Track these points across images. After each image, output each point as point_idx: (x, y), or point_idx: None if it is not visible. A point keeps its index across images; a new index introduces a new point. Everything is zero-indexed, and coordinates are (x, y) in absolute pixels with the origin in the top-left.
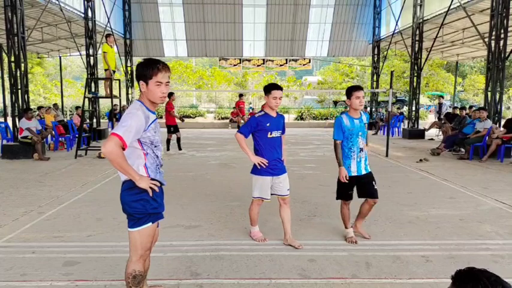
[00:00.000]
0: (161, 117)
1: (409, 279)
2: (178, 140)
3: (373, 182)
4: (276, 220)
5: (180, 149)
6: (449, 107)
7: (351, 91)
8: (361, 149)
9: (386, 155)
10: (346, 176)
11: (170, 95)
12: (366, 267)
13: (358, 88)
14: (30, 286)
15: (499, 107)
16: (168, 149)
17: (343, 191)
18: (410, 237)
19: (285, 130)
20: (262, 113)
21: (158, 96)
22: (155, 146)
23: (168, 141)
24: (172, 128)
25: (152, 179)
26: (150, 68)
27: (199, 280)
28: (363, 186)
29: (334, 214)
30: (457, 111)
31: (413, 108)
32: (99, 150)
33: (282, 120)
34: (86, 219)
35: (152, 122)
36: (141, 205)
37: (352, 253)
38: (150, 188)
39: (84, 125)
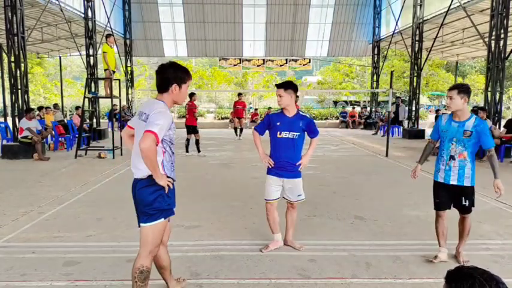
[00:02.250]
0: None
1: (409, 279)
2: (197, 142)
3: (463, 198)
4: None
5: (199, 151)
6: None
7: None
8: (452, 157)
9: (386, 155)
10: (415, 173)
11: (192, 95)
12: (366, 267)
13: (451, 87)
14: (30, 286)
15: (499, 107)
16: (187, 151)
17: (433, 197)
18: (410, 237)
19: (313, 133)
20: (279, 111)
21: (184, 98)
22: (172, 144)
23: (188, 141)
24: (192, 129)
25: (168, 177)
26: (187, 73)
27: (199, 280)
28: (453, 198)
29: (334, 214)
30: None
31: (413, 108)
32: (99, 150)
33: (302, 123)
34: (86, 219)
35: (172, 121)
36: (158, 201)
37: (352, 253)
38: (167, 185)
39: (84, 125)
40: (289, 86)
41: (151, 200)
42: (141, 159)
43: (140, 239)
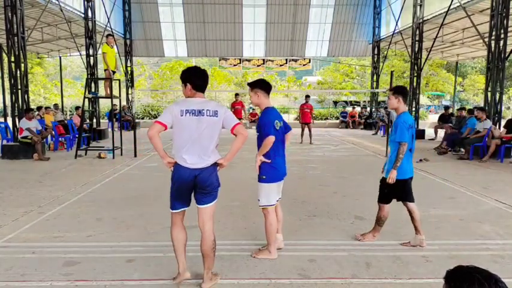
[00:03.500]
0: None
1: (409, 279)
2: None
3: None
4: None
5: None
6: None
7: None
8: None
9: (386, 155)
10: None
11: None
12: (366, 267)
13: (389, 89)
14: (30, 286)
15: (499, 107)
16: None
17: (411, 191)
18: (411, 237)
19: (258, 131)
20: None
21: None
22: None
23: None
24: None
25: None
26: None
27: (199, 280)
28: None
29: (334, 214)
30: (450, 111)
31: (413, 109)
32: (99, 150)
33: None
34: (86, 219)
35: None
36: (219, 183)
37: (352, 253)
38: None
39: (84, 125)
40: (255, 85)
41: (217, 183)
42: (213, 149)
43: (205, 217)
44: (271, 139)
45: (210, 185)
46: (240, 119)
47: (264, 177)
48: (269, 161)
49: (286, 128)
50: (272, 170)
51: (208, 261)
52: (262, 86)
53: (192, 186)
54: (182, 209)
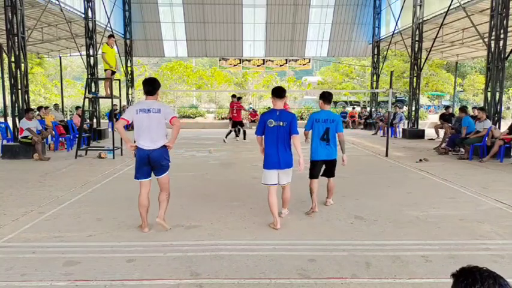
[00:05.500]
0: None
1: (409, 279)
2: (244, 132)
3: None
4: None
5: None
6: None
7: None
8: None
9: (386, 155)
10: None
11: (239, 98)
12: (365, 267)
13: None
14: (30, 286)
15: (498, 107)
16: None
17: None
18: (410, 237)
19: None
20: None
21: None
22: None
23: (230, 132)
24: (238, 123)
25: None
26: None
27: (199, 280)
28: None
29: (334, 214)
30: (451, 110)
31: (413, 109)
32: (99, 150)
33: None
34: (86, 219)
35: None
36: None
37: (352, 253)
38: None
39: (84, 125)
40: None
41: (166, 160)
42: (160, 136)
43: (163, 185)
44: (257, 139)
45: (160, 161)
46: (239, 121)
47: (262, 164)
48: (262, 153)
49: (292, 129)
50: (265, 160)
51: (163, 205)
52: (272, 92)
53: (147, 162)
54: (143, 179)
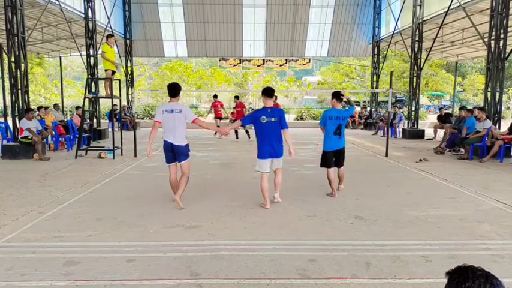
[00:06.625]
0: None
1: (409, 279)
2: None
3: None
4: (277, 219)
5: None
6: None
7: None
8: None
9: (386, 155)
10: None
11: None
12: (365, 267)
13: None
14: (30, 286)
15: (498, 107)
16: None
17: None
18: (410, 237)
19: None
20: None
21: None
22: None
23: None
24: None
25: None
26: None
27: (199, 280)
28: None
29: (334, 214)
30: (444, 112)
31: (413, 109)
32: (100, 150)
33: None
34: (86, 219)
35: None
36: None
37: (352, 253)
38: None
39: (84, 125)
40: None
41: (186, 150)
42: (182, 135)
43: (183, 168)
44: (237, 123)
45: (182, 152)
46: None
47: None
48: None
49: (282, 124)
50: (259, 151)
51: (182, 186)
52: (262, 92)
53: (171, 149)
54: (170, 164)
